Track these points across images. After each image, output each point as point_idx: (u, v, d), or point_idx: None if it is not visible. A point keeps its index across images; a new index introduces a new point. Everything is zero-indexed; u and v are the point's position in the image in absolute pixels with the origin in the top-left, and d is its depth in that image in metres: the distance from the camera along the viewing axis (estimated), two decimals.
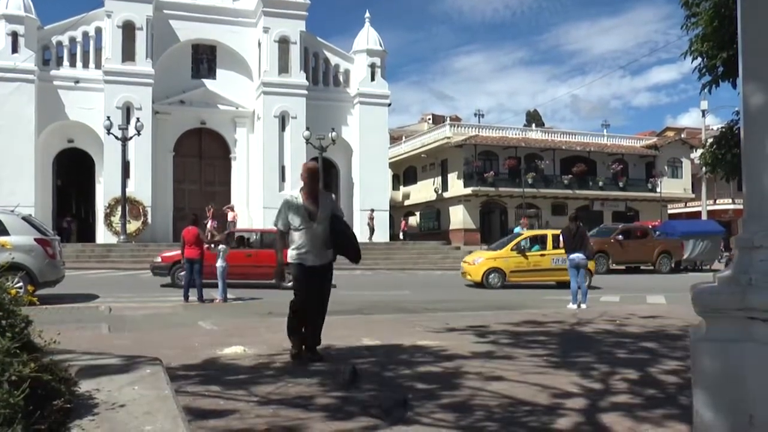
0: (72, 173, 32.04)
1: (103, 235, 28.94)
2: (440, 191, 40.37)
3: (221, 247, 13.39)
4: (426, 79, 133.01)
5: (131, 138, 27.07)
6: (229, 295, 13.11)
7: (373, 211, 32.09)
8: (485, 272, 17.63)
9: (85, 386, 2.85)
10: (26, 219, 12.33)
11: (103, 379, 3.07)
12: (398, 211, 42.48)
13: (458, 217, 38.42)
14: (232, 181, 32.43)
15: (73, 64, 30.05)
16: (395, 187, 44.50)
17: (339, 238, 5.88)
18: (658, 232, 27.56)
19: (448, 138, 39.17)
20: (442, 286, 18.33)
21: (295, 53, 31.62)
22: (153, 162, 29.55)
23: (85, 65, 30.13)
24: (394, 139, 45.47)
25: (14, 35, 28.25)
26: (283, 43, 31.41)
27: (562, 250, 17.56)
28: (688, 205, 45.29)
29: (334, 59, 34.12)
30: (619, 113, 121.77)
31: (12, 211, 12.29)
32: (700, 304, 2.57)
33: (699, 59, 11.08)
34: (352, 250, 5.93)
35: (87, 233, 30.40)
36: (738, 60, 2.62)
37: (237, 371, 5.36)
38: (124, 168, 27.41)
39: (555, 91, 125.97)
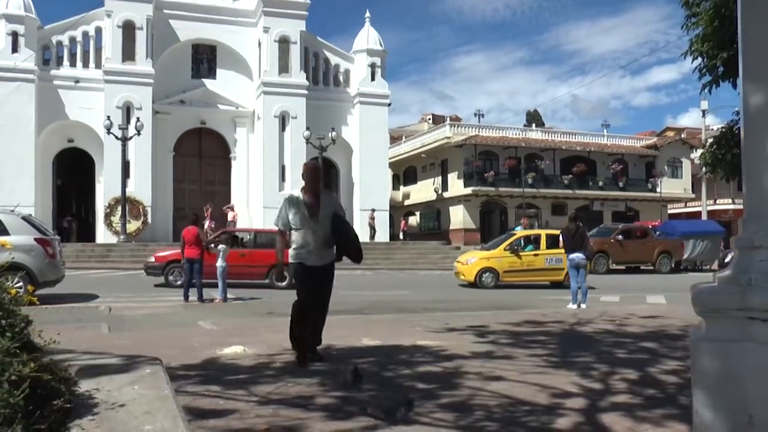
0: (72, 173, 32.05)
1: (103, 234, 28.94)
2: (440, 191, 40.36)
3: (221, 247, 13.39)
4: (426, 79, 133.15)
5: (131, 138, 27.07)
6: (228, 295, 13.11)
7: (374, 210, 32.10)
8: (478, 272, 17.61)
9: (85, 386, 2.85)
10: (26, 219, 12.34)
11: (103, 378, 3.07)
12: (398, 211, 42.48)
13: (458, 217, 38.42)
14: (232, 180, 32.44)
15: (73, 63, 30.05)
16: (395, 187, 44.49)
17: (341, 238, 5.82)
18: (658, 232, 27.57)
19: (448, 138, 39.16)
20: (439, 286, 18.32)
21: (295, 53, 31.63)
22: (153, 162, 29.55)
23: (85, 65, 30.13)
24: (394, 139, 45.46)
25: (14, 35, 28.25)
26: (283, 42, 31.42)
27: (556, 250, 17.70)
28: (688, 205, 45.28)
29: (334, 59, 34.13)
30: (619, 113, 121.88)
31: (12, 210, 12.29)
32: (700, 304, 2.57)
33: (699, 59, 11.09)
34: (353, 251, 5.85)
35: (87, 233, 30.40)
36: (738, 60, 2.62)
37: (237, 371, 5.36)
38: (124, 168, 27.41)
39: (555, 91, 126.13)
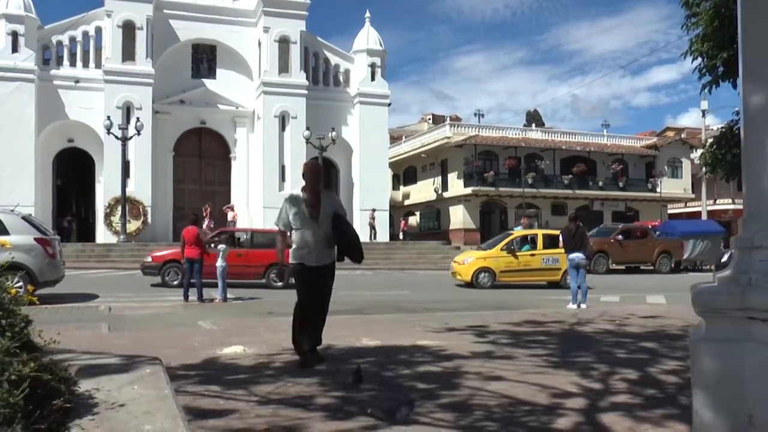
0: (72, 173, 32.07)
1: (103, 234, 28.95)
2: (440, 191, 40.37)
3: (221, 246, 13.39)
4: (426, 79, 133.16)
5: (131, 138, 27.08)
6: (228, 295, 13.11)
7: (374, 210, 32.09)
8: (475, 272, 17.57)
9: (84, 386, 2.85)
10: (26, 218, 12.33)
11: (102, 378, 3.07)
12: (398, 211, 42.48)
13: (458, 217, 38.42)
14: (232, 180, 32.45)
15: (73, 63, 30.06)
16: (395, 187, 44.50)
17: (341, 238, 5.77)
18: (658, 232, 27.57)
19: (448, 138, 39.16)
20: (438, 286, 18.30)
21: (295, 53, 31.63)
22: (153, 162, 29.56)
23: (85, 65, 30.14)
24: (394, 139, 45.47)
25: (14, 35, 28.26)
26: (283, 42, 31.43)
27: (553, 250, 17.70)
28: (688, 205, 45.28)
29: (334, 59, 34.13)
30: (619, 113, 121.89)
31: (12, 210, 12.29)
32: (700, 304, 2.57)
33: (699, 59, 11.07)
34: (354, 251, 5.80)
35: (87, 233, 30.42)
36: (738, 60, 2.62)
37: (237, 371, 5.36)
38: (124, 168, 27.42)
39: (555, 91, 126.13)
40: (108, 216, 28.61)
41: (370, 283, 18.20)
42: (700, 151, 18.50)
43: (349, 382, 4.84)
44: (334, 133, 30.08)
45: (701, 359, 2.52)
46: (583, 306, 11.71)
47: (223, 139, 32.54)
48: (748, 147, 2.53)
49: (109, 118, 27.03)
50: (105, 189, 28.95)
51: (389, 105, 34.55)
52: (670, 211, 43.64)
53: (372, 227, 31.72)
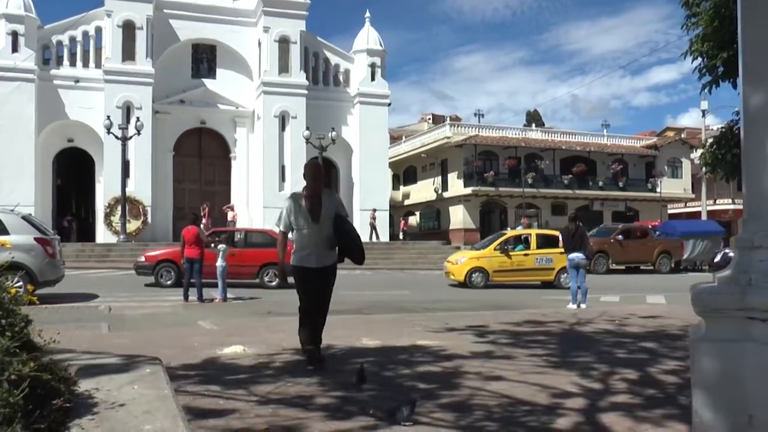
0: (72, 173, 32.06)
1: (103, 234, 28.94)
2: (440, 191, 40.37)
3: (221, 246, 13.39)
4: (426, 79, 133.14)
5: (131, 137, 27.07)
6: (228, 295, 13.11)
7: (375, 210, 32.08)
8: (468, 272, 17.54)
9: (84, 385, 2.85)
10: (26, 218, 12.33)
11: (102, 378, 3.07)
12: (398, 210, 42.47)
13: (458, 217, 38.43)
14: (232, 180, 32.43)
15: (73, 63, 30.03)
16: (395, 187, 44.50)
17: (343, 239, 5.70)
18: (658, 232, 27.57)
19: (448, 138, 39.16)
20: (435, 285, 18.29)
21: (295, 53, 31.62)
22: (153, 161, 29.55)
23: (85, 65, 30.11)
24: (394, 138, 45.46)
25: (14, 34, 28.24)
26: (283, 42, 31.41)
27: (546, 250, 17.71)
28: (688, 205, 45.28)
29: (334, 59, 34.12)
30: (619, 113, 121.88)
31: (12, 210, 12.29)
32: (700, 304, 2.57)
33: (699, 59, 11.08)
34: (356, 252, 5.73)
35: (87, 233, 30.41)
36: (738, 60, 2.62)
37: (237, 371, 5.36)
38: (124, 167, 27.41)
39: (555, 91, 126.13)
40: (108, 216, 28.60)
41: (370, 283, 18.20)
42: (700, 151, 18.51)
43: (352, 381, 4.84)
44: (334, 133, 30.07)
45: (701, 359, 2.52)
46: (583, 306, 11.71)
47: (223, 139, 32.53)
48: (748, 147, 2.53)
49: (109, 117, 27.02)
50: (105, 189, 28.94)
51: (389, 105, 34.55)
52: (670, 211, 43.65)
53: (373, 227, 31.70)
